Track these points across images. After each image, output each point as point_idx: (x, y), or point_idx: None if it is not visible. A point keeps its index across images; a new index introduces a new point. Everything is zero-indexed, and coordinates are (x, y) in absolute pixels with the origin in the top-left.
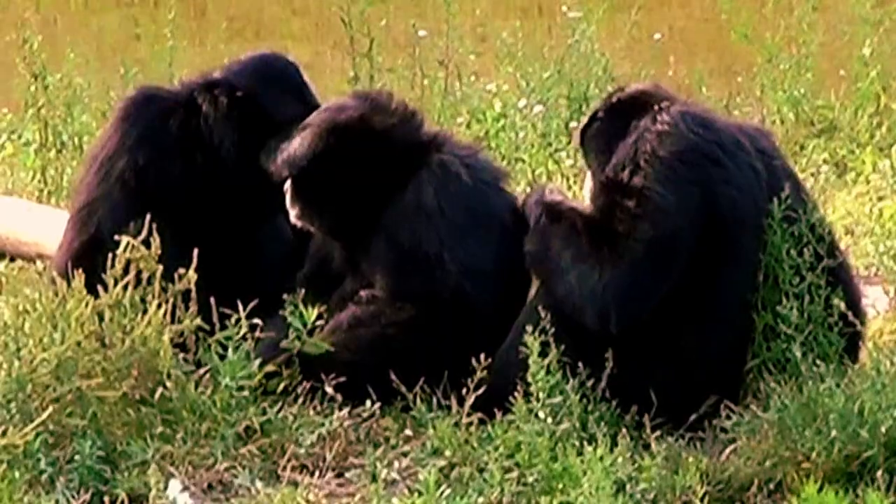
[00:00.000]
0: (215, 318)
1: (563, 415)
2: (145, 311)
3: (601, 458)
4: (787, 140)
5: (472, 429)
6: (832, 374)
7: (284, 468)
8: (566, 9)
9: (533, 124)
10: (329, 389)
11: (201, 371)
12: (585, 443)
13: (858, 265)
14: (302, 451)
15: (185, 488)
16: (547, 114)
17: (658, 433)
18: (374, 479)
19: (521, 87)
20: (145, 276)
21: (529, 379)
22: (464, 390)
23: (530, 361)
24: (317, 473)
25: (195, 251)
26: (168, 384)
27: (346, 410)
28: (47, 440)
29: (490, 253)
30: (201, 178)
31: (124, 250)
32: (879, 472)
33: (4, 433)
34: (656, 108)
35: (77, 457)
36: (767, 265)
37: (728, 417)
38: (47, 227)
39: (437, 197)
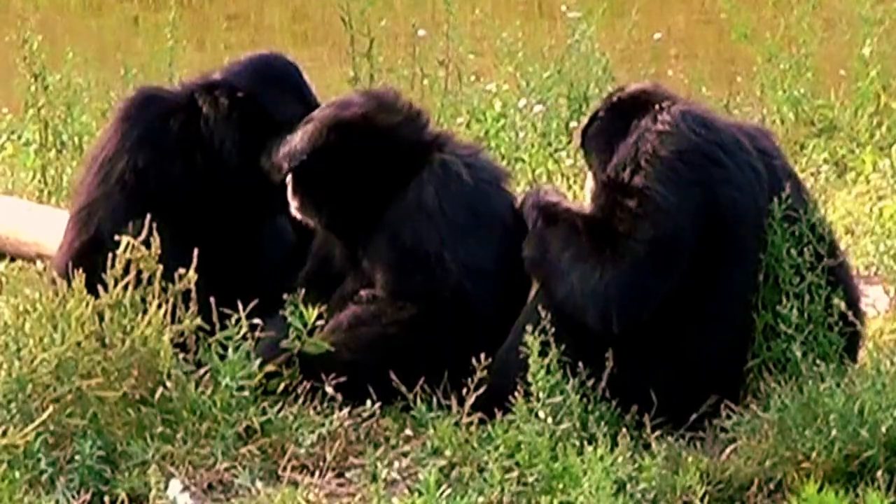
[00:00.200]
0: (215, 319)
1: (563, 415)
2: (145, 312)
3: (601, 458)
4: (787, 140)
5: (473, 429)
6: (832, 374)
7: (285, 468)
8: (565, 8)
9: (533, 124)
10: (329, 389)
11: (201, 371)
12: (586, 443)
13: (858, 265)
14: (302, 450)
15: (186, 488)
16: (547, 114)
17: (658, 433)
18: (375, 478)
19: (521, 86)
20: (145, 276)
21: (530, 379)
22: (464, 390)
23: (530, 361)
24: (317, 473)
25: (195, 251)
26: (168, 384)
27: (346, 410)
28: (47, 440)
29: (491, 253)
30: (202, 178)
31: (124, 250)
32: (879, 472)
33: (5, 433)
34: (657, 107)
35: (77, 457)
36: (768, 265)
37: (728, 417)
38: (47, 228)
39: (437, 196)
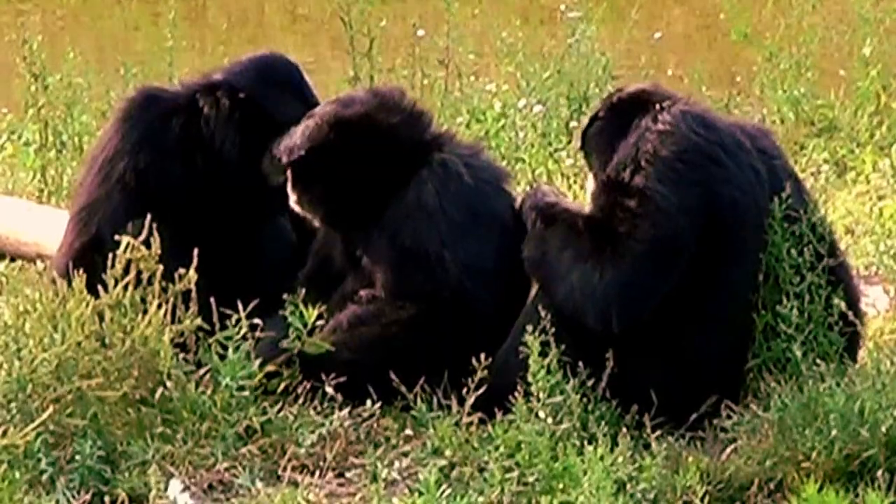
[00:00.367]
0: (216, 319)
1: (563, 414)
2: (145, 312)
3: (601, 458)
4: (787, 140)
5: (473, 428)
6: (832, 374)
7: (285, 468)
8: (563, 8)
9: (533, 124)
10: (329, 389)
11: (201, 371)
12: (586, 442)
13: (858, 265)
14: (302, 450)
15: (186, 488)
16: (547, 114)
17: (658, 433)
18: (375, 478)
19: (521, 86)
20: (145, 276)
21: (530, 379)
22: (464, 390)
23: (531, 361)
24: (317, 473)
25: (195, 251)
26: (168, 384)
27: (346, 410)
28: (48, 440)
29: (491, 252)
30: (202, 179)
31: (124, 250)
32: (879, 472)
33: (5, 433)
34: (657, 107)
35: (77, 457)
36: (768, 265)
37: (728, 417)
38: (47, 228)
39: (438, 196)
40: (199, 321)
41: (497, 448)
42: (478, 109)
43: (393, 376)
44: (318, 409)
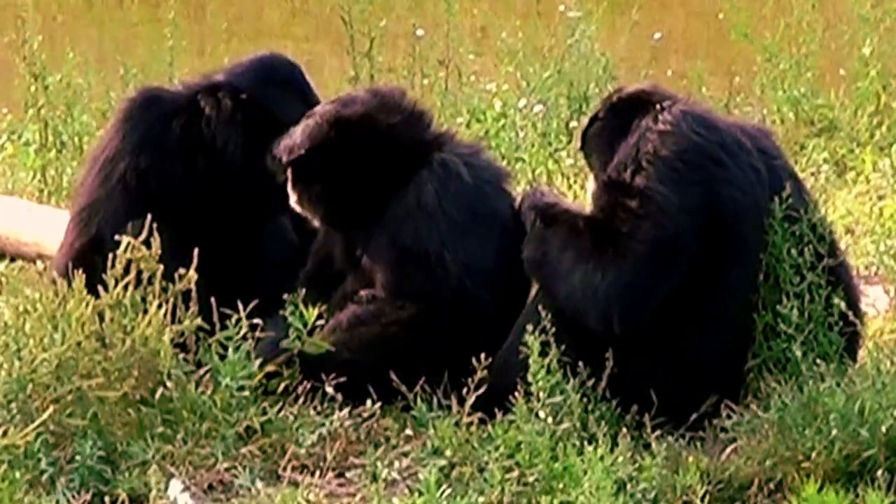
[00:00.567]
0: (216, 319)
1: (563, 414)
2: (146, 312)
3: (602, 458)
4: (787, 140)
5: (473, 428)
6: (832, 374)
7: (285, 468)
8: (563, 8)
9: (533, 124)
10: (329, 389)
11: (202, 371)
12: (586, 442)
13: (858, 265)
14: (302, 451)
15: (186, 488)
16: (547, 113)
17: (658, 433)
18: (375, 478)
19: (521, 86)
20: (146, 276)
21: (530, 378)
22: (464, 390)
23: (531, 361)
24: (317, 473)
25: (196, 252)
26: (168, 384)
27: (346, 410)
28: (48, 440)
29: (491, 252)
30: (203, 179)
31: (125, 251)
32: (879, 472)
33: (5, 433)
34: (658, 107)
35: (78, 457)
36: (768, 265)
37: (728, 417)
38: (48, 228)
39: (437, 196)
40: (199, 321)
41: (497, 448)
42: (478, 109)
43: (393, 376)
44: (319, 409)
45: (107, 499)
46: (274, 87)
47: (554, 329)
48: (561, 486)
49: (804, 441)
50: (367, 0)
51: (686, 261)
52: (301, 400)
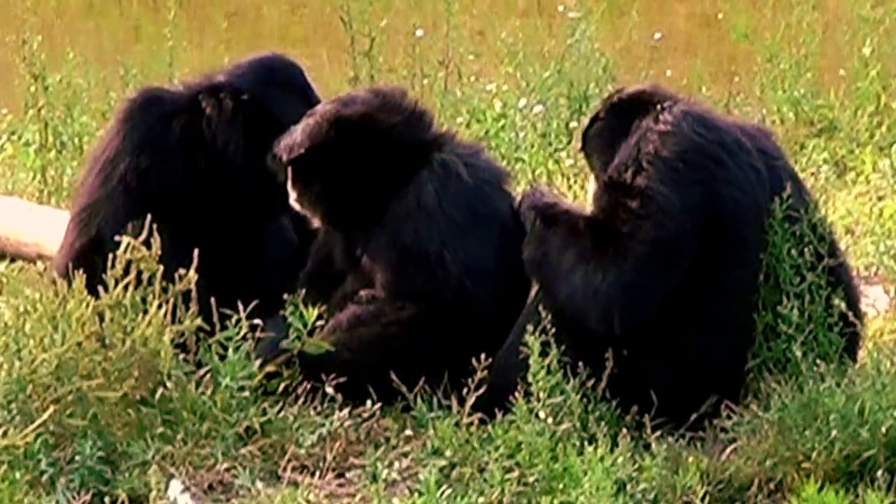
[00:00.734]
0: (216, 319)
1: (563, 415)
2: (146, 312)
3: (602, 458)
4: (787, 140)
5: (473, 429)
6: (832, 374)
7: (285, 468)
8: (562, 9)
9: (533, 124)
10: (329, 390)
11: (202, 371)
12: (586, 443)
13: (858, 265)
14: (302, 451)
15: (186, 489)
16: (547, 114)
17: (658, 433)
18: (375, 479)
19: (521, 87)
20: (146, 276)
21: (530, 379)
22: (464, 390)
23: (531, 361)
24: (317, 474)
25: (196, 252)
26: (168, 385)
27: (346, 411)
28: (48, 441)
29: (491, 252)
30: (203, 180)
31: (125, 251)
32: (879, 472)
33: (5, 434)
34: (658, 108)
35: (78, 457)
36: (768, 265)
37: (728, 417)
38: (48, 228)
39: (437, 196)
40: (199, 322)
41: (497, 448)
42: (478, 110)
43: (393, 376)
44: (318, 409)
45: (107, 499)
46: (275, 88)
47: (554, 329)
48: (561, 486)
49: (804, 441)
50: (367, 0)
51: (687, 261)
52: (301, 400)
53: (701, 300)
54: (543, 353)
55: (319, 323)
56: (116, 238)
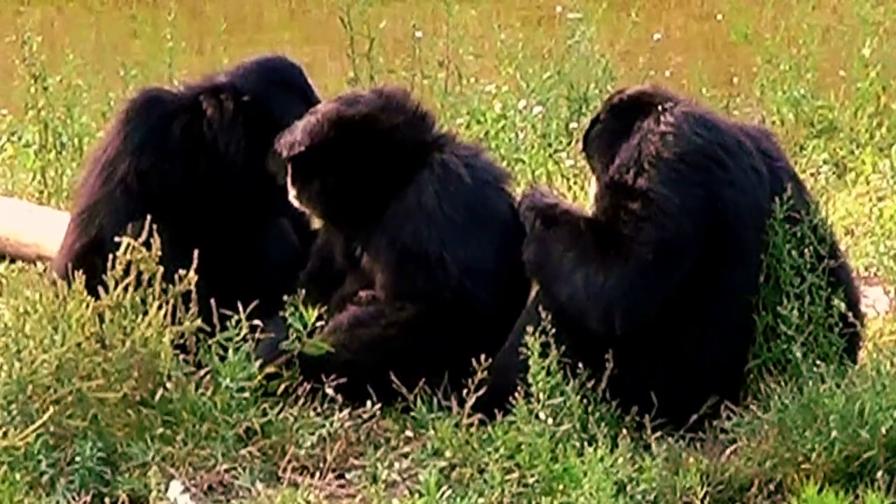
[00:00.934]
0: (216, 320)
1: (563, 416)
2: (146, 313)
3: (602, 459)
4: (787, 140)
5: (473, 430)
6: (832, 375)
7: (285, 469)
8: (560, 9)
9: (533, 125)
10: (329, 390)
11: (202, 372)
12: (586, 444)
13: (858, 265)
14: (302, 452)
15: (186, 489)
16: (547, 114)
17: (658, 434)
18: (375, 480)
19: (520, 88)
20: (146, 277)
21: (530, 380)
22: (464, 391)
23: (531, 362)
24: (317, 475)
25: (196, 253)
26: (168, 385)
27: (346, 411)
28: (48, 442)
29: (491, 253)
30: (204, 180)
31: (125, 252)
32: (879, 473)
33: (5, 435)
34: (659, 109)
35: (77, 458)
36: (769, 266)
37: (728, 418)
38: (48, 229)
39: (437, 197)
40: (199, 322)
41: (497, 449)
42: (478, 111)
43: (393, 377)
44: (318, 410)
45: (107, 500)
46: (276, 89)
47: (554, 330)
48: (561, 487)
49: (804, 442)
50: (367, 1)
51: (688, 262)
52: (301, 401)
53: (701, 301)
54: (543, 354)
55: (319, 324)
56: (117, 239)
